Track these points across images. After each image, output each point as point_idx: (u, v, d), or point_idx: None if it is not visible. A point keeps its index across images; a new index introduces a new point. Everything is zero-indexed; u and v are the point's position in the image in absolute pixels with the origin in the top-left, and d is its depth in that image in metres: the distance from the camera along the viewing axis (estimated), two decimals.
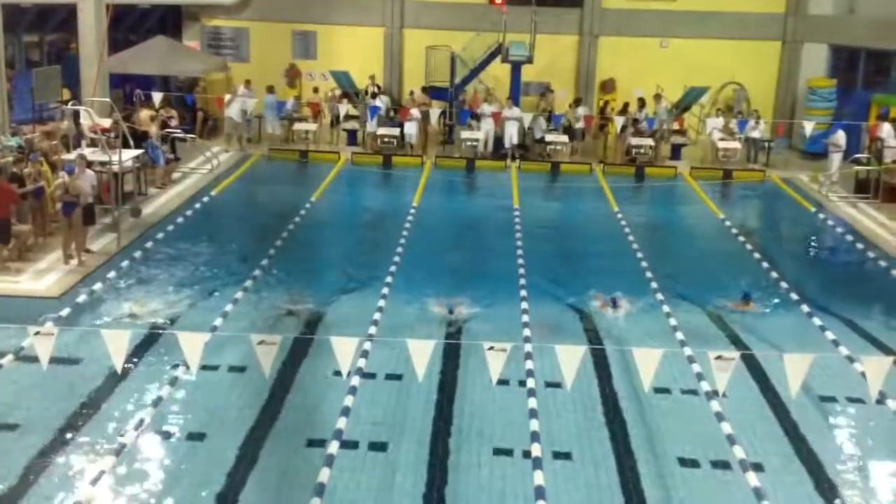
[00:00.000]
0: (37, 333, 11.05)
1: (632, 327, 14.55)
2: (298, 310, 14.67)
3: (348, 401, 11.18)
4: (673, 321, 14.04)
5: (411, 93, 28.98)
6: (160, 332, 13.28)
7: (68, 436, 10.54)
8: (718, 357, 10.06)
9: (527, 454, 10.24)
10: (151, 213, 19.51)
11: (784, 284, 16.20)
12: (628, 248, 18.28)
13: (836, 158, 24.42)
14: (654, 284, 15.85)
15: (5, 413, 11.02)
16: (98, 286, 14.96)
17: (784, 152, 28.62)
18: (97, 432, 10.66)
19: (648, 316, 14.77)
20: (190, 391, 11.72)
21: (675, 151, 27.37)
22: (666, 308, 14.54)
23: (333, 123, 28.20)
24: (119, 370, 11.16)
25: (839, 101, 28.33)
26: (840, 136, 24.55)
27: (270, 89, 27.66)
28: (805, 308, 15.02)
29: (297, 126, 27.19)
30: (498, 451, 10.59)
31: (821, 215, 22.07)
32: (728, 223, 20.80)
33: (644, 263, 17.08)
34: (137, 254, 16.76)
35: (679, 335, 13.53)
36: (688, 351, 12.73)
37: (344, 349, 10.71)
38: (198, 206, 20.52)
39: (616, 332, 14.34)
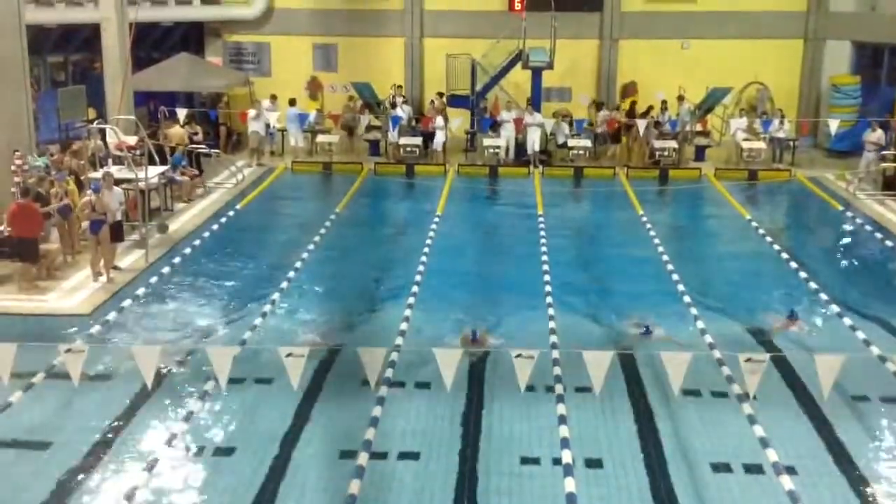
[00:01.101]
0: (67, 351, 11.18)
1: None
2: (325, 322, 14.71)
3: (377, 411, 11.21)
4: (703, 329, 13.94)
5: (432, 102, 29.05)
6: (190, 347, 13.37)
7: (100, 453, 10.61)
8: (748, 359, 9.99)
9: (557, 461, 10.21)
10: (178, 229, 19.66)
11: (813, 285, 16.05)
12: (655, 253, 18.17)
13: (870, 157, 24.10)
14: (680, 287, 15.76)
15: (37, 431, 11.11)
16: (127, 303, 15.09)
17: (809, 151, 28.38)
18: (129, 448, 10.74)
19: (679, 325, 14.58)
20: (220, 405, 11.77)
21: (700, 153, 27.22)
22: (700, 324, 14.21)
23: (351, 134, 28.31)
24: (149, 386, 11.27)
25: (863, 98, 28.05)
26: (879, 135, 24.22)
27: (293, 102, 27.81)
28: (835, 308, 14.87)
29: (320, 138, 27.32)
30: (526, 460, 10.54)
31: (848, 213, 21.86)
32: (755, 224, 20.64)
33: (670, 267, 16.99)
34: (166, 269, 16.89)
35: (708, 338, 13.46)
36: (717, 354, 12.65)
37: (372, 360, 10.76)
38: (224, 220, 20.67)
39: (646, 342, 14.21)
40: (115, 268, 16.44)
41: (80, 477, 10.09)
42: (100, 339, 13.50)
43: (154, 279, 16.35)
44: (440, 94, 28.94)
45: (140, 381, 11.06)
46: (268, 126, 27.04)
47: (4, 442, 10.87)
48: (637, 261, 18.22)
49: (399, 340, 13.39)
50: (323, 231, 19.67)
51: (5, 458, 10.57)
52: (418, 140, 26.76)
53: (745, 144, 26.32)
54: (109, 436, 10.99)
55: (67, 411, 11.54)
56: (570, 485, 9.58)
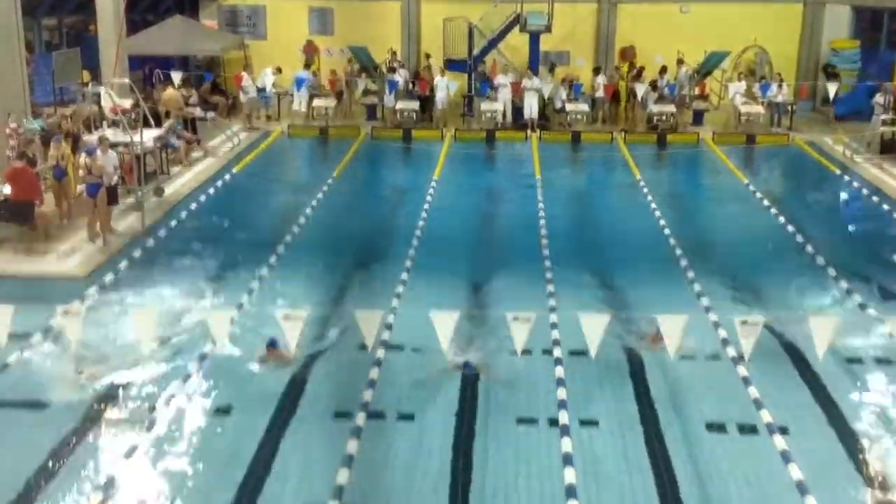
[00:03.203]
0: (65, 313, 11.20)
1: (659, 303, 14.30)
2: (322, 285, 14.73)
3: (374, 373, 11.26)
4: (700, 292, 13.97)
5: (427, 57, 28.99)
6: (187, 310, 13.39)
7: (98, 412, 10.66)
8: (744, 322, 10.02)
9: (553, 422, 10.28)
10: (174, 193, 19.61)
11: (810, 248, 16.08)
12: (652, 218, 18.16)
13: (879, 119, 23.88)
14: (677, 251, 15.79)
15: (35, 392, 11.13)
16: (123, 265, 15.09)
17: (807, 115, 28.29)
18: (127, 408, 10.80)
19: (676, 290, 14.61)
20: (217, 367, 11.81)
21: (698, 117, 27.13)
22: (697, 287, 14.24)
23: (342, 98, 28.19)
24: (147, 348, 11.33)
25: (863, 62, 27.89)
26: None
27: (308, 65, 27.78)
28: (832, 271, 14.91)
29: (317, 102, 27.16)
30: (522, 421, 10.60)
31: (846, 177, 21.83)
32: (752, 188, 20.63)
33: (667, 231, 17.01)
34: (162, 233, 16.88)
35: (704, 301, 13.51)
36: (713, 316, 12.69)
37: (369, 322, 10.79)
38: (220, 184, 20.61)
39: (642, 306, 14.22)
40: (112, 231, 16.42)
41: (78, 438, 10.14)
42: (96, 302, 13.50)
43: (150, 242, 16.34)
44: (427, 56, 28.88)
45: (138, 342, 11.14)
46: (263, 90, 26.89)
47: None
48: (634, 224, 18.24)
49: (395, 303, 13.42)
50: (320, 195, 19.62)
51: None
52: (415, 104, 26.62)
53: (744, 108, 26.22)
54: (107, 397, 11.02)
55: (64, 372, 11.52)
56: (566, 445, 9.67)
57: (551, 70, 28.63)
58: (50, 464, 9.63)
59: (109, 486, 9.15)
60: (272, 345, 11.81)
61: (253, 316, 12.86)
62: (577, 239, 17.55)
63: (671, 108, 26.22)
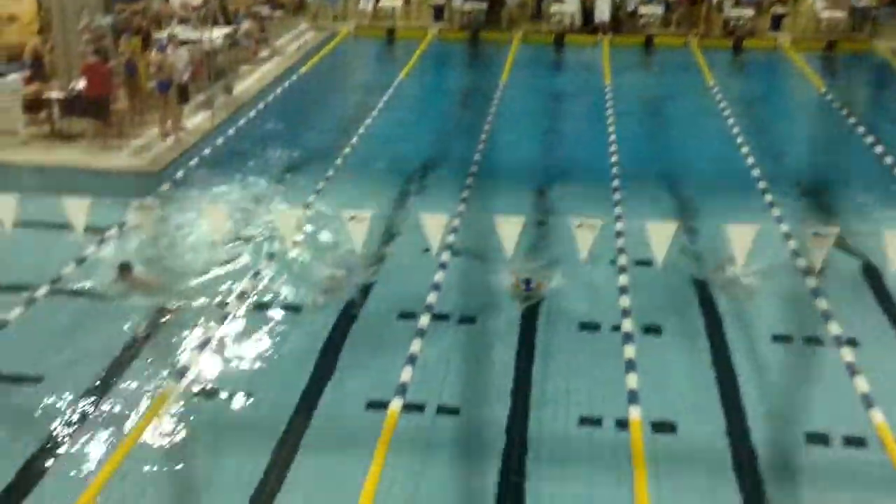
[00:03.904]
0: (138, 207, 11.50)
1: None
2: (388, 187, 14.79)
3: (438, 276, 11.36)
4: (771, 202, 13.71)
5: None
6: (255, 208, 13.61)
7: (171, 305, 10.94)
8: (816, 233, 9.86)
9: (616, 328, 10.32)
10: (243, 91, 19.67)
11: (888, 160, 15.61)
12: (724, 126, 17.74)
13: None
14: (749, 160, 15.46)
15: (112, 288, 11.26)
16: (194, 162, 15.33)
17: (891, 21, 27.02)
18: (200, 301, 11.06)
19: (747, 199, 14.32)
20: (285, 265, 12.04)
21: (776, 22, 26.06)
22: (768, 198, 13.95)
23: None
24: (218, 242, 11.59)
25: None
26: None
27: None
28: None
29: (383, 2, 26.75)
30: (585, 326, 10.65)
31: None
32: (830, 97, 19.96)
33: (739, 139, 16.63)
34: (231, 131, 17.05)
35: (776, 212, 13.28)
36: (784, 227, 12.48)
37: (433, 226, 10.87)
38: (287, 84, 20.62)
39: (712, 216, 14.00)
40: (182, 128, 16.61)
41: (150, 329, 10.47)
42: (168, 197, 13.78)
43: (220, 140, 16.53)
44: None
45: (209, 237, 11.40)
46: None
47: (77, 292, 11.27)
48: (705, 132, 17.85)
49: (461, 207, 13.44)
50: (386, 98, 19.53)
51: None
52: (484, 5, 26.06)
53: (825, 14, 25.16)
54: (181, 289, 11.26)
55: (139, 266, 11.78)
56: (629, 351, 9.72)
57: None
58: (125, 354, 9.97)
59: (182, 373, 9.50)
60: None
61: (319, 216, 13.02)
62: (647, 147, 17.24)
63: (749, 12, 25.29)
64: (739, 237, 10.47)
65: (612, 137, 16.69)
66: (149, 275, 11.50)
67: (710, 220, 13.02)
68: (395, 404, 8.88)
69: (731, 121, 17.88)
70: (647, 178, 15.19)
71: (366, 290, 11.47)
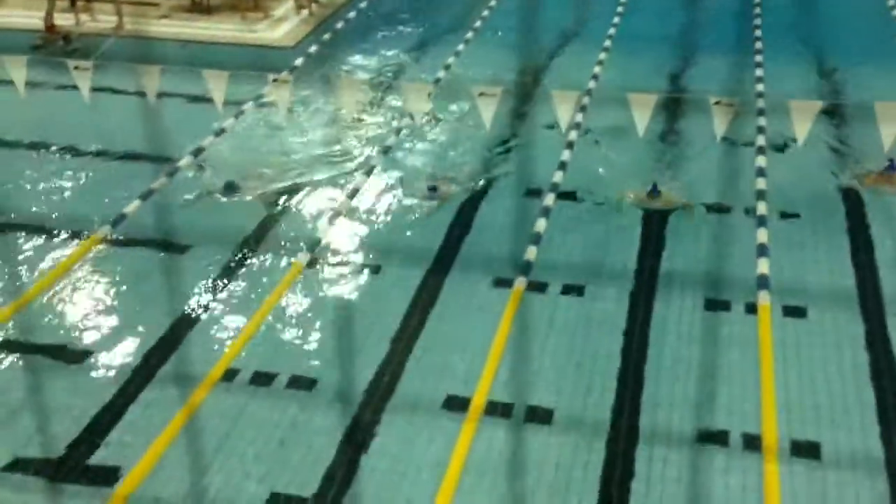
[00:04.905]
0: (275, 80, 11.73)
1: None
2: (519, 63, 14.52)
3: (565, 155, 11.22)
4: None
5: None
6: (387, 82, 13.67)
7: (303, 180, 11.16)
8: None
9: (749, 211, 10.03)
10: None
11: None
12: None
13: None
14: None
15: (251, 161, 11.57)
16: (328, 36, 15.43)
17: None
18: (331, 175, 11.28)
19: None
20: (416, 140, 12.13)
21: None
22: None
23: None
24: (352, 116, 11.78)
25: None
26: None
27: None
28: None
29: None
30: (712, 209, 10.35)
31: None
32: None
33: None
34: (363, 4, 17.00)
35: None
36: None
37: (563, 102, 10.69)
38: None
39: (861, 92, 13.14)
40: (317, 1, 16.67)
41: (285, 205, 10.78)
42: (303, 72, 13.96)
43: (352, 14, 16.53)
44: None
45: (342, 111, 11.57)
46: None
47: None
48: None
49: (592, 84, 13.12)
50: None
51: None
52: None
53: None
54: (313, 161, 11.53)
55: (274, 141, 12.15)
56: (762, 235, 9.47)
57: None
58: (245, 247, 9.98)
59: (315, 245, 9.82)
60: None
61: (449, 91, 12.97)
62: (793, 16, 16.13)
63: None
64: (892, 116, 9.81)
65: (758, 10, 15.71)
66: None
67: (858, 97, 12.28)
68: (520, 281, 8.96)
69: None
70: (793, 51, 14.38)
71: (490, 163, 11.46)
